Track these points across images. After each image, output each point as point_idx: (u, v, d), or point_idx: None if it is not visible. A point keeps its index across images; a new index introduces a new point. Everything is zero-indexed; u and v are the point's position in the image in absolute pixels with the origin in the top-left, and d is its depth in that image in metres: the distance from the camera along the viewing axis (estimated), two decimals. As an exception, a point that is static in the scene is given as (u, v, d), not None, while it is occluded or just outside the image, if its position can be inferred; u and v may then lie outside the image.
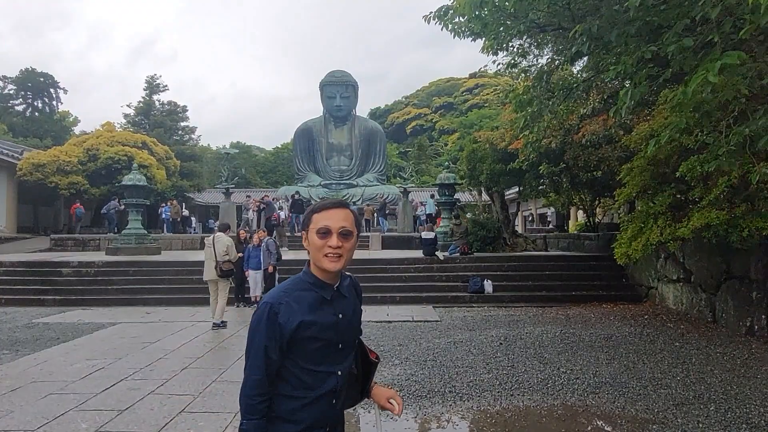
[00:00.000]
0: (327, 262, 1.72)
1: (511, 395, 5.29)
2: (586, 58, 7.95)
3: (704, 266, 9.21)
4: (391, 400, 1.90)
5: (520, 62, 7.96)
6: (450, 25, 7.05)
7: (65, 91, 53.47)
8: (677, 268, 10.09)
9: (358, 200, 30.07)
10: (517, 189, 18.73)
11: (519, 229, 29.73)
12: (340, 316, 1.77)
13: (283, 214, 21.47)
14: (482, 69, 10.76)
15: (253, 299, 10.90)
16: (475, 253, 14.40)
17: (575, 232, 20.11)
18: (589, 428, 4.53)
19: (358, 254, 15.56)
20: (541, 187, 15.94)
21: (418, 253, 14.55)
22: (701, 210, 7.47)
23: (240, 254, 10.21)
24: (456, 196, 18.73)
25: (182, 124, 40.12)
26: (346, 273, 1.90)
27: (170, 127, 38.23)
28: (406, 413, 4.71)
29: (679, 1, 4.81)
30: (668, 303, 10.45)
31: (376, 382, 2.00)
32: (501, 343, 7.55)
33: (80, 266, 13.95)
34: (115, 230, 21.96)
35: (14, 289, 12.59)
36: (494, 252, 14.95)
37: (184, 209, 27.50)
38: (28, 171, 24.11)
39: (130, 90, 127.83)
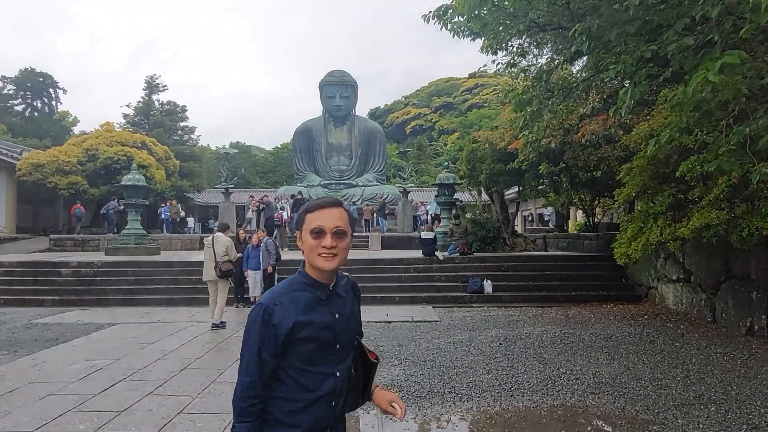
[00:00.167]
0: (321, 262, 1.70)
1: (511, 396, 5.28)
2: (585, 58, 7.94)
3: (704, 266, 9.19)
4: (393, 404, 1.87)
5: (520, 62, 7.95)
6: (449, 25, 7.04)
7: (64, 91, 53.64)
8: (677, 268, 10.07)
9: (358, 200, 30.07)
10: (516, 189, 18.71)
11: (519, 229, 29.72)
12: (337, 316, 1.75)
13: (285, 214, 21.46)
14: (481, 69, 10.77)
15: (252, 299, 10.88)
16: (474, 253, 14.38)
17: (575, 232, 20.10)
18: (589, 429, 4.52)
19: (358, 254, 15.56)
20: (540, 187, 15.93)
21: (418, 253, 14.53)
22: (701, 210, 7.45)
23: (239, 254, 10.20)
24: (456, 196, 18.72)
25: (182, 124, 40.07)
26: (343, 273, 1.88)
27: (170, 127, 38.19)
28: (406, 414, 4.68)
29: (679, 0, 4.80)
30: (668, 303, 10.44)
31: (377, 385, 1.99)
32: (500, 344, 7.53)
33: (79, 266, 13.93)
34: (115, 230, 21.94)
35: (13, 290, 12.57)
36: (494, 252, 14.94)
37: (180, 210, 27.47)
38: (28, 171, 24.08)
39: (130, 90, 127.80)
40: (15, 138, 34.85)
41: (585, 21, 5.63)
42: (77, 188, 25.13)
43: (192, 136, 41.43)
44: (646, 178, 8.89)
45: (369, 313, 10.01)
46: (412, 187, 34.86)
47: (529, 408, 4.96)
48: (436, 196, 19.12)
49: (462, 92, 70.37)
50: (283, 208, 21.83)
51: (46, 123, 41.58)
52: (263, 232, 11.91)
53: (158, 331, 8.83)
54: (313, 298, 1.73)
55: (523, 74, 8.51)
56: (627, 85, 5.34)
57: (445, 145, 56.55)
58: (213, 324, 8.95)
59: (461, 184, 19.42)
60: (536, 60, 8.63)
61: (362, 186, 32.51)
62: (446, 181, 17.41)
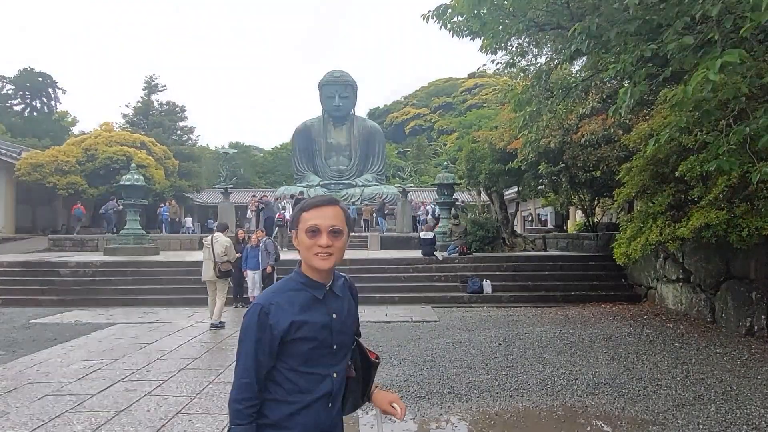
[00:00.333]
0: (317, 261, 1.68)
1: (510, 396, 5.26)
2: (585, 58, 7.93)
3: (704, 266, 9.18)
4: (394, 404, 1.85)
5: (519, 61, 7.92)
6: (449, 24, 7.02)
7: (64, 91, 53.40)
8: (676, 268, 10.06)
9: (357, 200, 30.05)
10: (516, 189, 18.71)
11: (518, 229, 29.70)
12: (334, 316, 1.73)
13: (287, 214, 21.44)
14: (481, 69, 10.76)
15: (251, 299, 10.86)
16: (474, 254, 14.37)
17: (574, 232, 20.09)
18: (589, 429, 4.51)
19: (357, 254, 15.55)
20: (540, 186, 15.92)
21: (417, 254, 14.52)
22: (701, 210, 7.44)
23: (238, 254, 10.18)
24: (455, 196, 18.70)
25: (181, 123, 40.06)
26: (340, 273, 1.86)
27: (169, 127, 38.16)
28: (405, 414, 4.67)
29: (678, -1, 4.79)
30: (667, 303, 10.43)
31: (377, 385, 1.97)
32: (500, 344, 7.52)
33: (78, 266, 13.90)
34: (114, 230, 21.91)
35: (12, 290, 12.53)
36: (493, 252, 14.92)
37: (178, 210, 27.46)
38: (27, 171, 24.06)
39: (129, 90, 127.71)
40: (14, 138, 34.76)
41: (584, 20, 5.61)
42: (76, 188, 25.11)
43: (191, 136, 41.47)
44: (646, 178, 8.87)
45: (368, 313, 9.99)
46: (411, 187, 34.83)
47: (528, 408, 4.95)
48: (436, 198, 19.11)
49: (461, 92, 70.41)
50: (284, 208, 21.80)
51: (45, 123, 41.46)
52: (262, 232, 11.89)
53: (157, 331, 8.81)
54: (310, 298, 1.71)
55: (522, 74, 8.49)
56: (626, 85, 5.33)
57: (445, 145, 56.58)
58: (212, 324, 8.93)
59: (460, 184, 19.40)
60: (535, 59, 8.61)
61: (361, 186, 32.49)
62: (445, 181, 17.38)
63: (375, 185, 32.86)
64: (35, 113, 42.64)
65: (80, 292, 12.43)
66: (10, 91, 42.26)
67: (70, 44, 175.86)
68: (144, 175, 21.19)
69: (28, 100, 42.82)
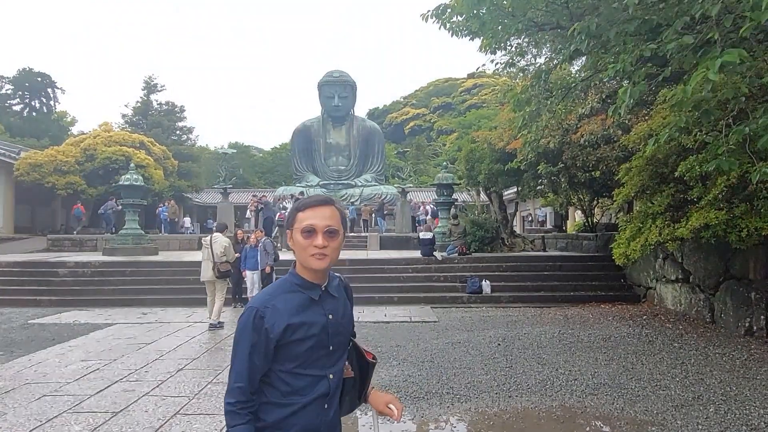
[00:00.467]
0: (313, 262, 1.66)
1: (509, 396, 5.25)
2: (584, 57, 7.93)
3: (703, 266, 9.18)
4: (390, 405, 1.83)
5: (518, 61, 7.93)
6: (448, 24, 7.01)
7: (63, 91, 53.47)
8: (676, 268, 10.06)
9: (356, 200, 30.05)
10: (515, 189, 18.69)
11: (517, 229, 29.70)
12: (330, 316, 1.71)
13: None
14: (480, 69, 10.75)
15: (249, 300, 10.83)
16: (473, 254, 14.36)
17: (573, 232, 20.08)
18: (588, 430, 4.50)
19: (357, 255, 15.54)
20: (539, 187, 15.91)
21: (416, 254, 14.51)
22: (700, 210, 7.43)
23: (237, 254, 10.17)
24: (454, 196, 18.70)
25: (180, 124, 39.97)
26: (335, 273, 1.84)
27: (168, 127, 38.08)
28: (404, 415, 4.66)
29: (678, -2, 4.78)
30: (667, 303, 10.42)
31: (373, 386, 1.95)
32: (499, 344, 7.51)
33: (77, 267, 13.89)
34: (113, 230, 21.88)
35: (10, 290, 12.52)
36: (492, 252, 14.92)
37: (177, 210, 27.43)
38: (25, 171, 24.01)
39: (129, 90, 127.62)
40: (13, 138, 34.70)
41: (584, 20, 5.60)
42: (75, 188, 25.07)
43: (190, 136, 41.38)
44: (645, 178, 8.86)
45: (367, 314, 9.98)
46: (410, 187, 34.84)
47: (527, 409, 4.94)
48: (435, 199, 19.10)
49: (461, 93, 70.38)
50: (285, 208, 21.80)
51: (44, 123, 41.39)
52: (261, 232, 11.87)
53: (155, 331, 8.79)
54: (305, 299, 1.69)
55: (521, 74, 8.50)
56: (626, 85, 5.32)
57: (444, 145, 56.53)
58: (210, 324, 8.92)
59: (460, 184, 19.39)
60: (535, 59, 8.62)
61: (361, 186, 32.48)
62: (445, 182, 17.38)
63: (374, 185, 32.85)
64: (34, 113, 42.58)
65: (79, 293, 12.42)
66: (9, 91, 42.21)
67: (69, 44, 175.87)
68: (143, 175, 21.15)
69: (27, 100, 42.75)
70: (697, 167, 6.93)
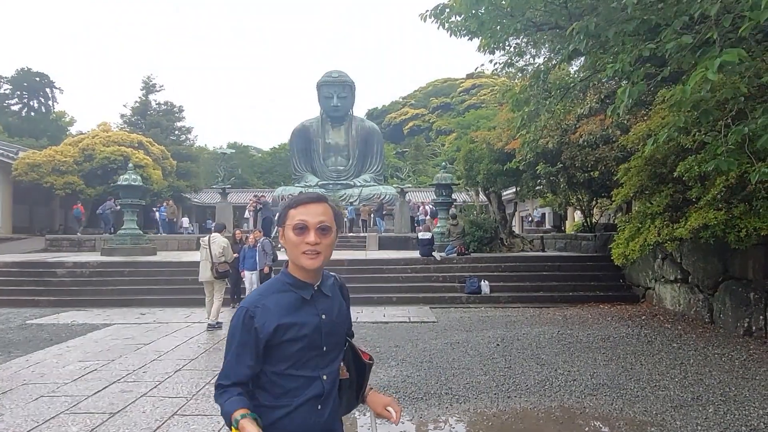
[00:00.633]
0: (305, 260, 1.64)
1: (508, 397, 5.24)
2: (583, 57, 7.93)
3: (702, 267, 9.18)
4: (389, 408, 1.81)
5: (517, 61, 7.93)
6: (446, 24, 7.01)
7: (61, 91, 53.08)
8: (675, 268, 10.06)
9: (355, 200, 30.03)
10: (514, 189, 18.69)
11: (516, 229, 29.71)
12: (323, 316, 1.69)
13: None
14: (479, 69, 10.74)
15: (248, 300, 10.81)
16: (472, 254, 14.36)
17: (572, 232, 20.09)
18: (587, 430, 4.49)
19: (355, 255, 15.53)
20: (538, 187, 15.91)
21: (415, 254, 14.50)
22: (699, 210, 7.43)
23: (236, 255, 10.15)
24: (453, 196, 18.69)
25: (179, 124, 39.92)
26: (330, 273, 1.82)
27: (167, 127, 38.03)
28: (402, 416, 4.65)
29: (677, -2, 4.78)
30: (666, 304, 10.42)
31: (371, 387, 1.93)
32: (498, 344, 7.50)
33: (75, 267, 13.86)
34: (111, 231, 21.84)
35: (8, 290, 12.48)
36: (491, 252, 14.92)
37: (175, 211, 27.36)
38: (24, 171, 23.98)
39: (128, 90, 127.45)
40: (11, 138, 34.67)
41: (582, 20, 5.59)
42: (73, 188, 25.04)
43: (189, 136, 41.34)
44: (644, 179, 8.86)
45: (366, 314, 9.97)
46: (409, 187, 34.86)
47: (526, 409, 4.93)
48: (434, 199, 19.08)
49: (460, 93, 70.41)
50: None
51: (42, 123, 41.36)
52: (260, 232, 11.85)
53: (153, 332, 8.77)
54: (297, 299, 1.66)
55: (520, 74, 8.51)
56: (625, 85, 5.31)
57: (443, 145, 56.56)
58: (209, 324, 8.90)
59: (459, 184, 19.39)
60: (533, 59, 8.62)
61: (360, 186, 32.45)
62: (443, 182, 17.37)
63: (373, 185, 32.83)
64: (32, 113, 42.54)
65: (77, 293, 12.39)
66: (7, 91, 42.17)
67: (68, 44, 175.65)
68: (141, 176, 21.12)
69: (26, 100, 42.71)
70: (696, 167, 6.93)
